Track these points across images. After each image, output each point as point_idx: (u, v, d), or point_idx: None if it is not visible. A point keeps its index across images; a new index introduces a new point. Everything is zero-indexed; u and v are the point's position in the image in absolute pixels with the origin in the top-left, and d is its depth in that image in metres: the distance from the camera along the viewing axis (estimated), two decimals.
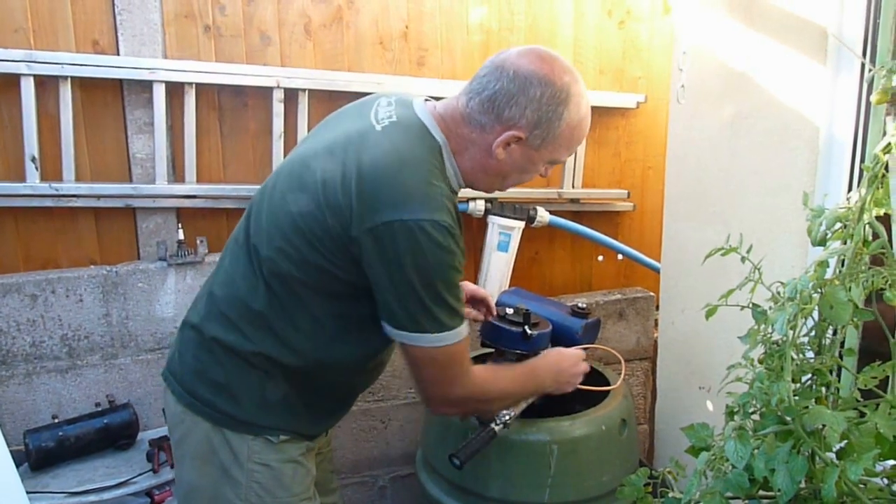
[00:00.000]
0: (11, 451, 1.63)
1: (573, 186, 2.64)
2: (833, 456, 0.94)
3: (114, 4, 2.15)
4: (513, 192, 2.51)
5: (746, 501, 1.00)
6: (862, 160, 1.50)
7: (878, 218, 1.00)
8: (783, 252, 1.66)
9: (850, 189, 1.54)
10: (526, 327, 1.63)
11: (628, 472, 1.26)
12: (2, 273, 2.15)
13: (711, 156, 1.93)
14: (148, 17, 2.18)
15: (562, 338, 1.75)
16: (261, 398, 1.39)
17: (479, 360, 1.65)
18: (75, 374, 2.18)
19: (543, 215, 2.52)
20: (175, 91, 2.23)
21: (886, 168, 0.98)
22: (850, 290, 0.96)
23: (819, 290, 0.97)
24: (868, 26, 1.46)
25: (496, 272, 2.48)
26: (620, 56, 2.65)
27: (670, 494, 1.15)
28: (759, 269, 1.08)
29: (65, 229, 2.24)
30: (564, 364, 1.63)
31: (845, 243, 1.00)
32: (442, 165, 1.33)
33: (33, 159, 2.12)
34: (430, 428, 1.89)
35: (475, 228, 2.56)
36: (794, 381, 1.00)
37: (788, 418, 0.96)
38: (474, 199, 2.46)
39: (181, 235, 2.25)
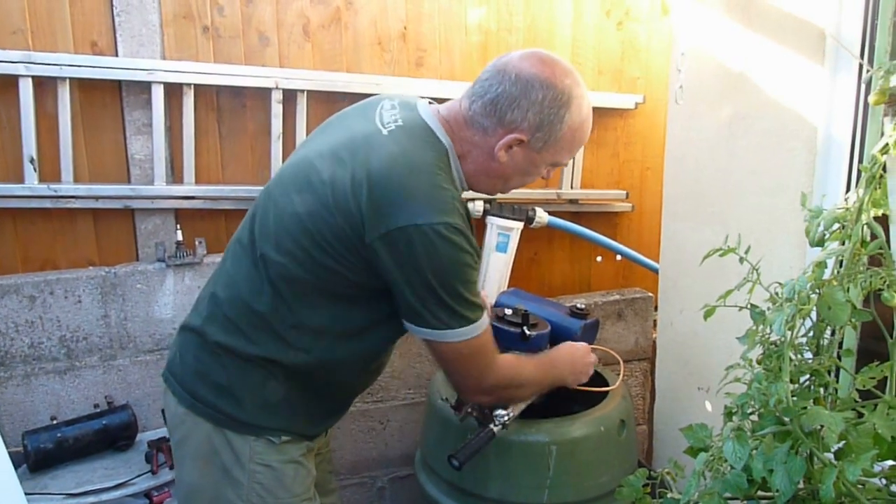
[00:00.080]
0: (10, 453, 1.62)
1: (572, 187, 2.64)
2: (831, 456, 0.94)
3: (112, 5, 2.14)
4: (512, 193, 2.47)
5: (745, 502, 1.00)
6: (860, 161, 1.50)
7: (875, 218, 1.00)
8: (781, 252, 1.66)
9: (848, 189, 1.54)
10: (525, 328, 1.63)
11: (627, 473, 1.26)
12: (0, 274, 2.14)
13: (710, 156, 1.93)
14: (146, 18, 2.17)
15: (560, 338, 1.74)
16: (262, 399, 1.39)
17: None
18: (74, 375, 2.18)
19: (542, 216, 2.52)
20: (173, 92, 2.22)
21: (884, 168, 0.98)
22: (848, 290, 0.97)
23: (817, 291, 0.97)
24: (866, 27, 1.46)
25: (495, 273, 2.48)
26: (619, 57, 2.65)
27: (669, 495, 1.15)
28: (757, 270, 1.09)
29: (63, 230, 2.24)
30: (577, 354, 1.66)
31: (843, 244, 1.00)
32: (449, 168, 1.34)
33: (32, 160, 2.12)
34: (429, 429, 1.89)
35: (474, 229, 2.56)
36: (792, 381, 1.01)
37: (787, 419, 0.96)
38: (473, 199, 2.45)
39: (180, 236, 2.25)
